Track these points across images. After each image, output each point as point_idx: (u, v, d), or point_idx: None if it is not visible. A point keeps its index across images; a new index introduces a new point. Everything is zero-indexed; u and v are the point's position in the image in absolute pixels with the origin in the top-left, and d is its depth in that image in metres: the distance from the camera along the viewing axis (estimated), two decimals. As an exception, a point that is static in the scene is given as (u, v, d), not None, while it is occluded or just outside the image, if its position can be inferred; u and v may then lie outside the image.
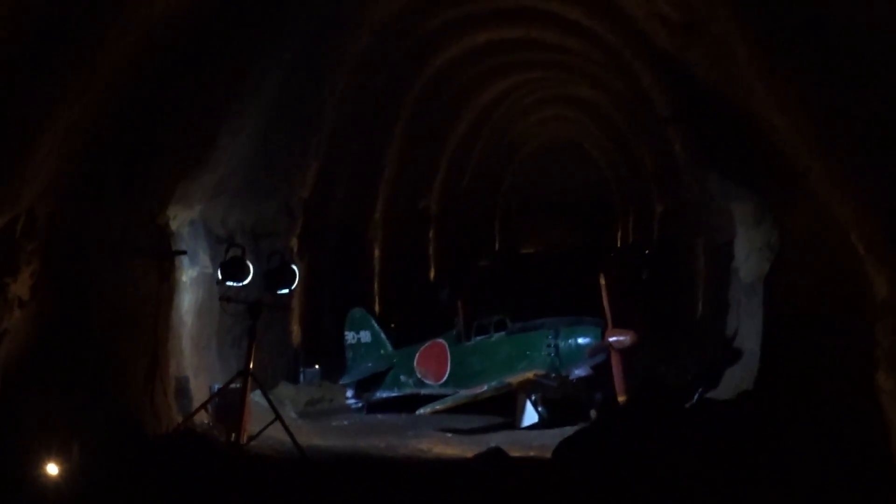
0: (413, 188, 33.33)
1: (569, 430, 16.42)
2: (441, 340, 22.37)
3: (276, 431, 15.13)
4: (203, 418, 15.96)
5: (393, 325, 24.83)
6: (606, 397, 19.93)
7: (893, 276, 8.19)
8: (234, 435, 14.67)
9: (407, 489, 13.83)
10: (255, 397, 16.21)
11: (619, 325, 20.03)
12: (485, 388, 20.66)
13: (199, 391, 16.86)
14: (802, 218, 11.39)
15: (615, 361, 19.66)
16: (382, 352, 23.02)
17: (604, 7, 18.74)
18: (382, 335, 23.26)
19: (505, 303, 25.19)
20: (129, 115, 11.77)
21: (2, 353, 10.55)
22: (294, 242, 21.82)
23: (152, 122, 12.80)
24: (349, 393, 22.76)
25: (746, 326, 18.28)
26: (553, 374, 20.60)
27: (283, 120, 19.15)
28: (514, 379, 20.53)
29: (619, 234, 58.27)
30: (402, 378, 22.57)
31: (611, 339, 19.90)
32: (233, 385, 15.32)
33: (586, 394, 20.66)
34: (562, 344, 20.76)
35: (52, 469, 11.25)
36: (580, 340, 20.65)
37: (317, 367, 22.78)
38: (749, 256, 17.78)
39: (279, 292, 15.90)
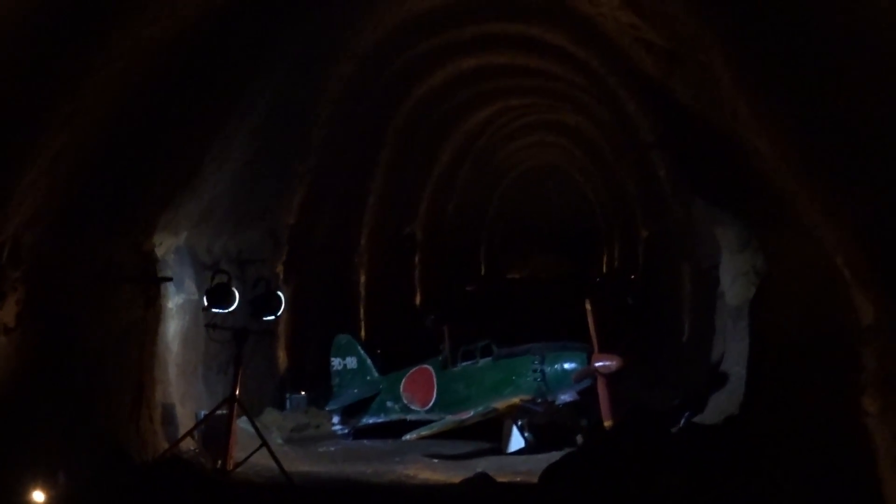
0: (399, 214, 33.35)
1: (555, 456, 16.42)
2: (427, 366, 22.37)
3: (262, 458, 15.10)
4: (189, 445, 15.92)
5: (379, 351, 24.79)
6: (593, 422, 19.93)
7: (879, 300, 8.22)
8: (220, 461, 14.65)
9: (394, 515, 13.83)
10: (242, 424, 16.19)
11: (606, 350, 20.04)
12: (471, 413, 20.65)
13: (186, 418, 16.84)
14: (788, 242, 11.42)
15: (601, 387, 19.67)
16: (369, 378, 23.00)
17: (588, 33, 18.78)
18: (368, 361, 23.24)
19: (491, 328, 25.20)
20: (116, 142, 11.77)
21: (-13, 381, 10.54)
22: (280, 269, 21.82)
23: (138, 150, 12.80)
24: (335, 419, 22.72)
25: (732, 351, 18.32)
26: (539, 400, 20.59)
27: (268, 147, 19.18)
28: (501, 404, 20.53)
29: (605, 259, 58.33)
30: (389, 404, 22.56)
31: (597, 365, 19.91)
32: (219, 412, 15.31)
33: (572, 419, 20.68)
34: (548, 369, 20.75)
35: (38, 497, 11.19)
36: (566, 366, 20.65)
37: (303, 393, 22.74)
38: (735, 281, 17.84)
39: (265, 319, 15.91)
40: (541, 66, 28.17)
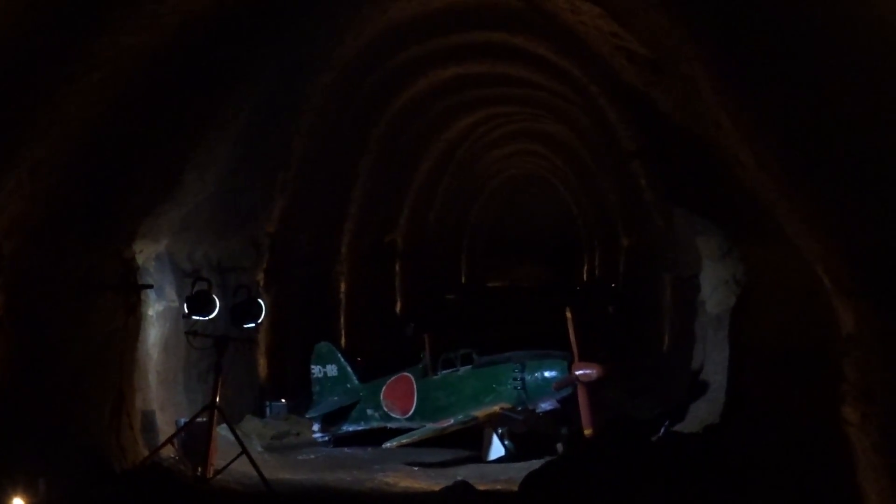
0: (380, 223, 33.35)
1: (535, 464, 16.41)
2: (408, 374, 22.34)
3: (242, 465, 15.08)
4: (169, 452, 15.89)
5: (359, 359, 24.77)
6: (573, 431, 19.94)
7: (859, 309, 8.24)
8: (200, 469, 14.62)
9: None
10: (222, 431, 16.16)
11: (586, 358, 20.03)
12: (451, 421, 20.64)
13: (166, 425, 16.80)
14: (769, 251, 11.44)
15: (582, 395, 19.67)
16: (349, 385, 22.99)
17: (570, 42, 18.80)
18: (349, 369, 23.22)
19: (471, 336, 25.19)
20: (96, 151, 11.76)
21: (-33, 388, 10.51)
22: (260, 277, 21.80)
23: (119, 158, 12.79)
24: (315, 427, 22.69)
25: (713, 359, 18.35)
26: (520, 408, 20.59)
27: (249, 155, 19.16)
28: (481, 412, 20.52)
29: (586, 268, 58.38)
30: (369, 412, 22.55)
31: (577, 373, 19.90)
32: (199, 419, 15.29)
33: (553, 427, 20.66)
34: (528, 377, 20.74)
35: (18, 504, 11.20)
36: (547, 374, 20.64)
37: (283, 400, 22.71)
38: (715, 290, 17.86)
39: (245, 326, 15.88)
40: (522, 75, 28.22)
